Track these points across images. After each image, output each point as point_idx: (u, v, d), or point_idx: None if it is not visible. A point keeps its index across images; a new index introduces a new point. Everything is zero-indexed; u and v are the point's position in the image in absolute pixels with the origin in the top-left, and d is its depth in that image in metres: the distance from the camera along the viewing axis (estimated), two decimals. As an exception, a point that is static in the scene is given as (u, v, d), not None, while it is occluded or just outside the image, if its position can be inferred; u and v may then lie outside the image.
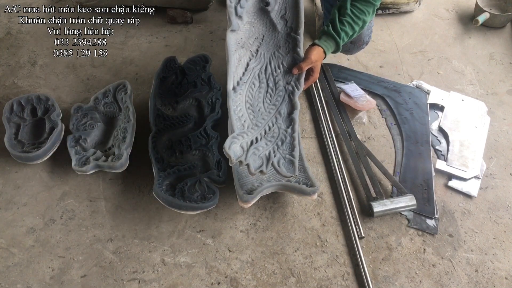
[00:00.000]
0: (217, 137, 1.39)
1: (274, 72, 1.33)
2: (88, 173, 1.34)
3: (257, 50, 1.35)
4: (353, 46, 1.55)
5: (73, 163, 1.33)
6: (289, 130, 1.24)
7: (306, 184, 1.22)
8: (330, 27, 1.33)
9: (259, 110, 1.28)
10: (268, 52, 1.35)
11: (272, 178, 1.23)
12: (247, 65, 1.33)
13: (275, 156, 1.19)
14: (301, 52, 1.35)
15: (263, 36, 1.36)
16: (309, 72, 1.37)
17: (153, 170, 1.31)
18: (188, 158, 1.36)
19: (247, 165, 1.15)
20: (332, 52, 1.37)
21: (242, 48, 1.33)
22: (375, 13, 1.39)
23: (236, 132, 1.20)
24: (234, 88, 1.29)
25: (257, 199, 1.20)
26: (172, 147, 1.39)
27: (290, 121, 1.26)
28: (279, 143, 1.22)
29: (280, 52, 1.35)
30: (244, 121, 1.25)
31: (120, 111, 1.49)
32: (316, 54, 1.33)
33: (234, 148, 1.17)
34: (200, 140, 1.39)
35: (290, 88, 1.31)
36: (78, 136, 1.40)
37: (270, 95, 1.30)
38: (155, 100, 1.49)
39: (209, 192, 1.25)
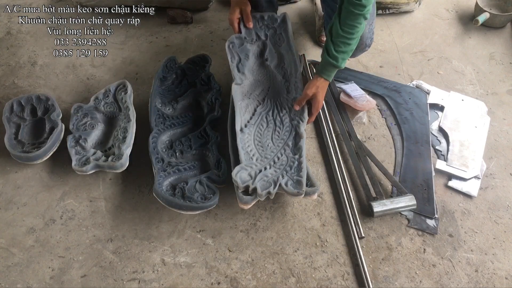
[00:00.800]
0: (217, 137, 1.39)
1: (280, 113, 1.41)
2: (88, 173, 1.34)
3: (264, 99, 1.45)
4: (356, 50, 1.55)
5: (73, 163, 1.33)
6: (297, 156, 1.29)
7: (306, 185, 1.23)
8: (326, 54, 1.34)
9: (268, 145, 1.33)
10: (274, 99, 1.45)
11: None
12: (255, 110, 1.42)
13: (283, 178, 1.22)
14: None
15: (269, 88, 1.47)
16: (311, 103, 1.40)
17: (153, 170, 1.31)
18: (188, 158, 1.36)
19: (255, 188, 1.17)
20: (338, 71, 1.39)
21: (249, 98, 1.43)
22: (375, 15, 1.39)
23: (245, 163, 1.24)
24: (241, 129, 1.35)
25: (257, 200, 1.20)
26: (172, 147, 1.39)
27: (298, 149, 1.31)
28: (288, 168, 1.26)
29: (284, 96, 1.44)
30: (253, 155, 1.29)
31: (120, 111, 1.49)
32: (313, 87, 1.36)
33: (241, 174, 1.21)
34: (200, 140, 1.39)
35: (295, 122, 1.37)
36: (78, 136, 1.40)
37: (278, 132, 1.37)
38: (155, 100, 1.49)
39: (209, 192, 1.25)
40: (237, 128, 1.34)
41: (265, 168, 1.25)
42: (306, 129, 1.52)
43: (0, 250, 1.23)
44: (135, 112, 1.47)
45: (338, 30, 1.29)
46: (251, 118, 1.40)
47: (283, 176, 1.22)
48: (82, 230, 1.27)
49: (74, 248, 1.23)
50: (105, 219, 1.30)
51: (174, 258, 1.22)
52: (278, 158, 1.29)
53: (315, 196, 1.22)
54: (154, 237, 1.26)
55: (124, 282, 1.17)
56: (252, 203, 1.19)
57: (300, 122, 1.37)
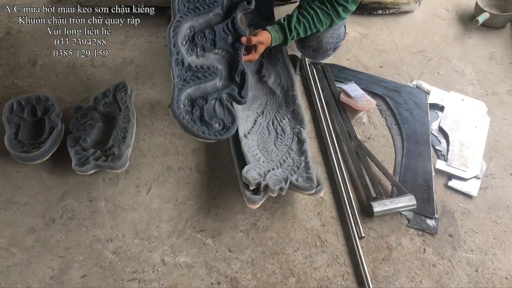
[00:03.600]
0: (246, 34, 1.30)
1: (280, 123, 1.42)
2: (88, 173, 1.34)
3: (263, 112, 1.46)
4: (316, 53, 1.58)
5: (73, 163, 1.33)
6: (302, 158, 1.29)
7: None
8: (286, 22, 1.36)
9: (272, 150, 1.34)
10: (273, 111, 1.46)
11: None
12: (255, 121, 1.43)
13: (292, 176, 1.22)
14: (301, 103, 1.47)
15: (266, 102, 1.50)
16: (251, 50, 1.36)
17: (172, 80, 1.20)
18: (210, 58, 1.25)
19: (267, 185, 1.18)
20: (279, 45, 1.40)
21: (249, 110, 1.45)
22: (345, 23, 1.50)
23: (253, 164, 1.25)
24: (245, 135, 1.36)
25: (264, 199, 1.20)
26: (194, 40, 1.24)
27: (303, 152, 1.31)
28: (295, 168, 1.26)
29: (283, 109, 1.46)
30: (259, 158, 1.30)
31: (120, 111, 1.49)
32: (265, 37, 1.34)
33: (251, 173, 1.21)
34: (225, 36, 1.26)
35: (297, 130, 1.38)
36: (78, 136, 1.40)
37: (281, 139, 1.37)
38: None
39: (228, 118, 1.17)
40: (241, 134, 1.35)
41: (273, 169, 1.26)
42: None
43: (0, 250, 1.23)
44: (135, 112, 1.47)
45: (309, 14, 1.34)
46: (252, 127, 1.41)
47: (292, 175, 1.23)
48: (82, 230, 1.27)
49: (74, 248, 1.23)
50: (105, 219, 1.29)
51: (174, 258, 1.21)
52: (284, 161, 1.30)
53: (321, 194, 1.22)
54: (154, 237, 1.25)
55: (124, 282, 1.17)
56: (260, 203, 1.19)
57: (301, 129, 1.38)
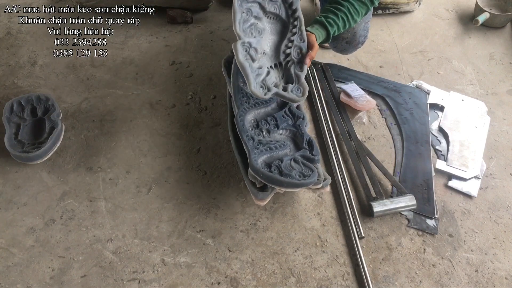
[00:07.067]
0: (303, 116, 1.35)
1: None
2: (266, 97, 1.23)
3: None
4: (349, 46, 1.55)
5: (253, 85, 1.16)
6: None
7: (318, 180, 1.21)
8: (324, 19, 1.34)
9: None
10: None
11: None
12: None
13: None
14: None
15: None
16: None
17: (245, 149, 1.25)
18: (276, 138, 1.32)
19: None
20: (322, 42, 1.37)
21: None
22: (371, 15, 1.46)
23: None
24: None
25: (272, 195, 1.18)
26: (259, 126, 1.34)
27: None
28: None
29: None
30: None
31: (289, 18, 1.26)
32: (312, 39, 1.31)
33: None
34: (286, 120, 1.35)
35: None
36: (247, 43, 1.15)
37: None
38: (237, 79, 1.41)
39: (307, 170, 1.19)
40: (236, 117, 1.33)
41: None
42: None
43: (0, 250, 1.23)
44: (303, 20, 1.27)
45: (345, 6, 1.33)
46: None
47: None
48: (82, 230, 1.27)
49: (74, 248, 1.23)
50: (105, 219, 1.29)
51: (174, 258, 1.21)
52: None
53: (327, 189, 1.22)
54: (154, 237, 1.25)
55: (124, 282, 1.17)
56: (268, 199, 1.18)
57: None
